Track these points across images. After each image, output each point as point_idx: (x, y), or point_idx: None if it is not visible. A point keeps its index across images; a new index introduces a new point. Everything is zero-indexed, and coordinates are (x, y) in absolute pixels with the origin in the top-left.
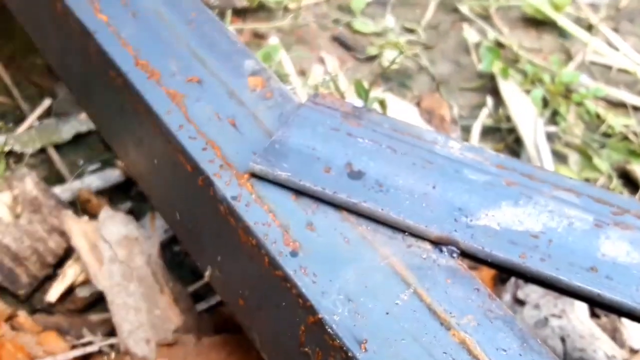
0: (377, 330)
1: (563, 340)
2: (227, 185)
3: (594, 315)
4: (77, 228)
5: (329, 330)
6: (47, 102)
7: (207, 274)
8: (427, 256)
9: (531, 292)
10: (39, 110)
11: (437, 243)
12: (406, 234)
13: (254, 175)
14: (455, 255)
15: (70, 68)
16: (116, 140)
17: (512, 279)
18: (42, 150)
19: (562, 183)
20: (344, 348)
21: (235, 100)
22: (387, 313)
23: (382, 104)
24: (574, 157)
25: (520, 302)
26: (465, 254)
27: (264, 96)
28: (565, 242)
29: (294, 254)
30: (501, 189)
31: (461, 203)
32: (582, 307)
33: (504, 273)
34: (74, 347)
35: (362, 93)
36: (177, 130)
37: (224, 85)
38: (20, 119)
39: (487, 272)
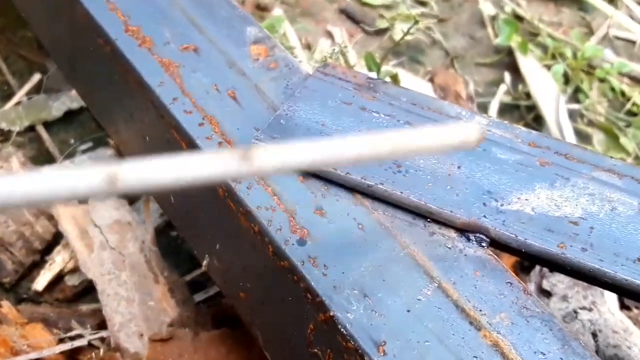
0: (396, 331)
1: (595, 335)
2: None
3: (623, 307)
4: (66, 211)
5: (342, 330)
6: (36, 77)
7: (204, 263)
8: (452, 245)
9: (558, 282)
10: (28, 86)
11: (464, 230)
12: (428, 220)
13: None
14: (484, 244)
15: (56, 38)
16: (106, 117)
17: (537, 268)
18: (31, 128)
19: (603, 163)
20: (359, 351)
21: (236, 70)
22: (408, 311)
23: (395, 79)
24: (598, 137)
25: (546, 293)
26: (495, 243)
27: (268, 66)
28: (608, 229)
29: (301, 242)
30: (535, 170)
31: (490, 185)
32: (612, 298)
33: (540, 264)
34: (61, 340)
35: (374, 66)
36: (170, 104)
37: (223, 54)
38: (8, 95)
39: (507, 260)
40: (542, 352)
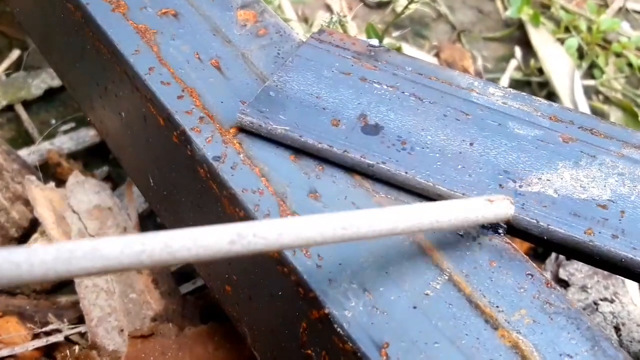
0: (401, 331)
1: (617, 329)
2: (208, 142)
3: None
4: (42, 196)
5: (338, 329)
6: (15, 54)
7: None
8: (464, 232)
9: (576, 272)
10: (7, 63)
11: None
12: None
13: (243, 129)
14: (501, 231)
15: (27, 8)
16: (80, 92)
17: (553, 255)
18: (9, 108)
19: (632, 139)
20: (359, 354)
21: (221, 37)
22: (415, 307)
23: (398, 51)
24: (615, 114)
25: (563, 283)
26: (513, 230)
27: (257, 33)
28: None
29: None
30: (557, 147)
31: (507, 164)
32: (634, 288)
33: (563, 254)
34: (36, 336)
35: (375, 38)
36: (146, 74)
37: (206, 20)
38: None
39: (519, 246)
40: (568, 355)
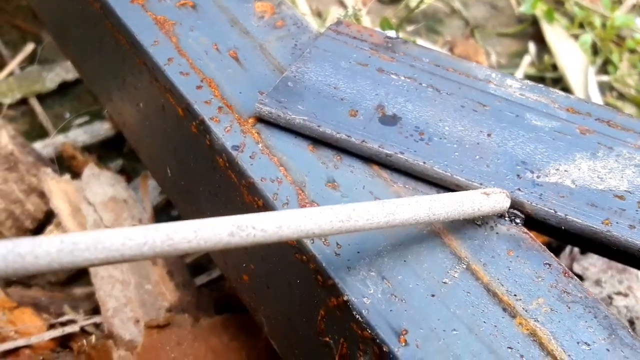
0: (420, 318)
1: (632, 323)
2: (227, 132)
3: None
4: (57, 188)
5: (357, 316)
6: (30, 47)
7: None
8: (482, 222)
9: (590, 266)
10: (21, 56)
11: None
12: None
13: (261, 119)
14: (519, 221)
15: (45, 2)
16: (98, 84)
17: (567, 249)
18: (24, 101)
19: None
20: (377, 340)
21: (239, 29)
22: (433, 295)
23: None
24: (629, 110)
25: (578, 278)
26: (531, 220)
27: (274, 24)
28: None
29: None
30: (574, 138)
31: (525, 155)
32: None
33: (580, 245)
34: (51, 326)
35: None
36: (165, 65)
37: (224, 11)
38: None
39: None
40: (585, 342)
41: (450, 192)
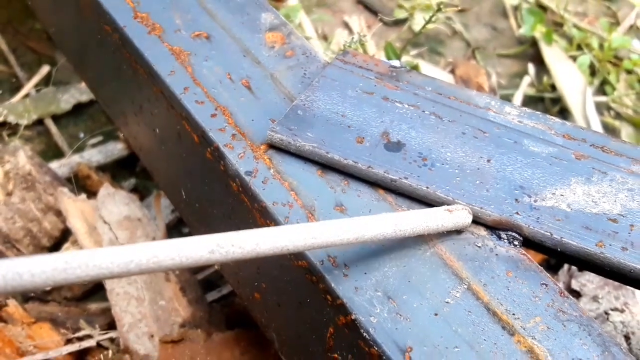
0: (423, 336)
1: (627, 338)
2: (240, 158)
3: None
4: (74, 207)
5: (364, 334)
6: (45, 70)
7: None
8: (482, 244)
9: (587, 282)
10: (37, 78)
11: (495, 228)
12: None
13: (273, 146)
14: (517, 242)
15: (63, 27)
16: (114, 108)
17: (565, 267)
18: (39, 122)
19: None
20: (384, 357)
21: (250, 59)
22: (436, 314)
23: (415, 69)
24: (626, 130)
25: (575, 294)
26: (528, 242)
27: (284, 54)
28: None
29: None
30: (570, 163)
31: (523, 180)
32: None
33: (576, 265)
34: (69, 341)
35: (394, 57)
36: (181, 94)
37: (237, 42)
38: (16, 87)
39: (532, 257)
40: (580, 359)
41: (415, 210)
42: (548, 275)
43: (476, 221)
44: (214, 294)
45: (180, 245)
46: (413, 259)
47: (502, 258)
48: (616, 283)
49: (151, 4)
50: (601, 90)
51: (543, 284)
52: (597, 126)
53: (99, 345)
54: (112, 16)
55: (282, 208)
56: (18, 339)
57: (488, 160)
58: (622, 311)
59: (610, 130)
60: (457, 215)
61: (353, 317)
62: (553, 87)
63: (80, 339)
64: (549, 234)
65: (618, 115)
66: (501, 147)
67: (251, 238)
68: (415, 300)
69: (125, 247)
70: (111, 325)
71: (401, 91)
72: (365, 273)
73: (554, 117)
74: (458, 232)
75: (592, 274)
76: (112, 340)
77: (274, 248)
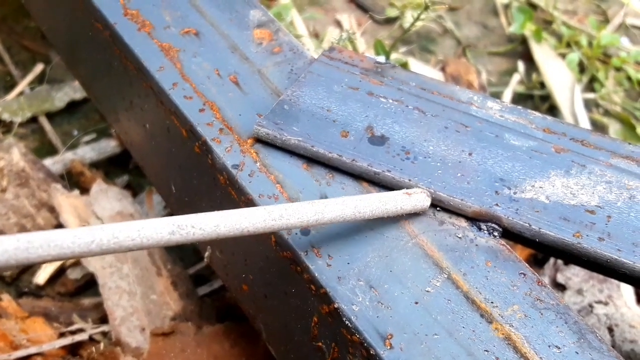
0: (404, 324)
1: (611, 330)
2: (227, 152)
3: None
4: (67, 203)
5: (346, 322)
6: (39, 68)
7: (206, 255)
8: (463, 235)
9: (572, 276)
10: (31, 76)
11: (475, 219)
12: (438, 208)
13: (259, 140)
14: (496, 233)
15: (55, 25)
16: (106, 105)
17: (551, 260)
18: (33, 119)
19: (621, 149)
20: (365, 344)
21: (238, 55)
22: (417, 303)
23: (405, 67)
24: (614, 126)
25: (561, 287)
26: (508, 233)
27: (272, 51)
28: (626, 218)
29: (305, 232)
30: (549, 157)
31: (503, 173)
32: (629, 292)
33: (554, 255)
34: (61, 335)
35: (383, 54)
36: (170, 89)
37: (225, 38)
38: (10, 85)
39: (520, 253)
40: (556, 346)
41: (374, 194)
42: (526, 265)
43: (457, 213)
44: (205, 288)
45: (141, 227)
46: (395, 250)
47: (482, 248)
48: (601, 276)
49: (141, 1)
50: (590, 87)
51: (521, 273)
52: (585, 122)
53: (91, 338)
54: (103, 13)
55: (268, 200)
56: (12, 333)
57: (469, 154)
58: (606, 304)
59: (598, 127)
60: (416, 198)
61: (336, 305)
62: (542, 85)
63: (73, 332)
64: (527, 224)
65: (606, 112)
66: (483, 141)
67: (211, 220)
68: (397, 289)
69: (86, 228)
70: (103, 319)
71: (385, 86)
72: (348, 263)
73: (535, 112)
74: (440, 222)
75: (578, 268)
76: (104, 334)
77: (234, 229)
